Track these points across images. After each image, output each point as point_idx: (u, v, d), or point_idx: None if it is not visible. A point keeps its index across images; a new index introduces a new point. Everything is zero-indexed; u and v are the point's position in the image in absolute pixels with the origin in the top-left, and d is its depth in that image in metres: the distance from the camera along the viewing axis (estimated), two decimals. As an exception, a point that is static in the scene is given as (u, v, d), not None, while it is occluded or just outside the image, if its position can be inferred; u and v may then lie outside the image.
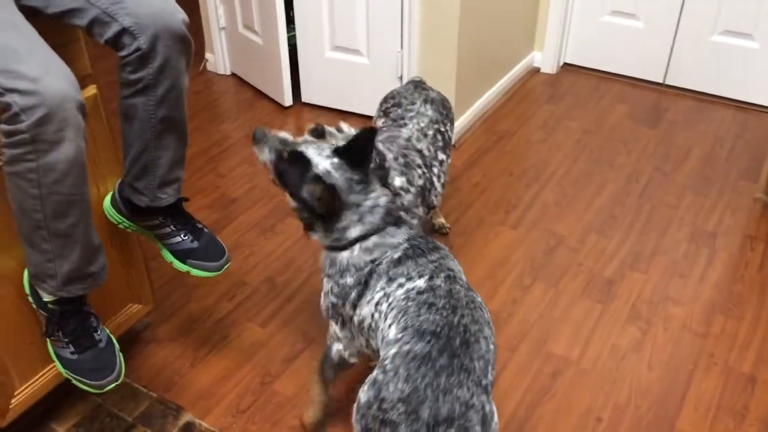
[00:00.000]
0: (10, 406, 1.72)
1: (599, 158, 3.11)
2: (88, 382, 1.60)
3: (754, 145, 3.20)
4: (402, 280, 1.49)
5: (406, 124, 2.09)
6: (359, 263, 1.55)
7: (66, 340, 1.60)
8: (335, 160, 1.52)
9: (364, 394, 1.35)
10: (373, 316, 1.52)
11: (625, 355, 2.13)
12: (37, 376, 1.77)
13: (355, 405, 1.39)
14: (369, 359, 1.79)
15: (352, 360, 1.71)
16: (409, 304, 1.44)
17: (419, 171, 1.97)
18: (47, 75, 1.31)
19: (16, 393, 1.73)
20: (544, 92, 3.69)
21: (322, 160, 1.52)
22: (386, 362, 1.35)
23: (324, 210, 1.52)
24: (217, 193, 2.86)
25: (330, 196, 1.50)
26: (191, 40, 1.57)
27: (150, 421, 1.91)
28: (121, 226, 1.83)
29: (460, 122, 3.19)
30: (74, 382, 1.62)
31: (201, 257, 1.78)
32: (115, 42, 1.49)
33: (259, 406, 1.97)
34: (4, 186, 1.46)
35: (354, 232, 1.55)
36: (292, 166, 1.54)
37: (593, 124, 3.38)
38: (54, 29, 1.49)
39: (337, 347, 1.70)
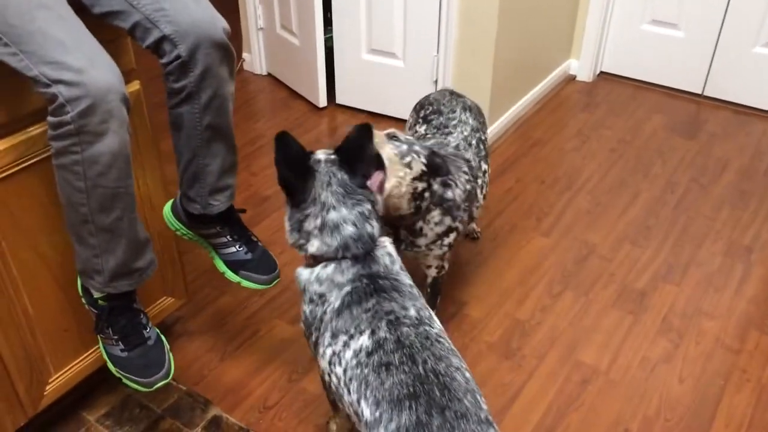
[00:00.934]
0: (45, 393, 1.74)
1: (634, 168, 3.08)
2: (137, 379, 1.59)
3: (794, 159, 3.15)
4: (345, 338, 1.36)
5: (450, 132, 2.05)
6: (312, 292, 1.44)
7: (116, 337, 1.61)
8: (332, 156, 1.49)
9: None
10: (330, 376, 1.39)
11: (656, 367, 2.10)
12: (70, 365, 1.80)
13: None
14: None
15: None
16: (365, 371, 1.31)
17: (466, 179, 1.94)
18: (92, 67, 1.33)
19: (50, 380, 1.76)
20: (580, 100, 3.66)
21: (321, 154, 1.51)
22: None
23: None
24: (249, 191, 2.89)
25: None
26: (232, 49, 1.58)
27: (178, 413, 1.94)
28: (179, 233, 1.86)
29: (494, 128, 3.18)
30: (124, 380, 1.61)
31: (253, 269, 1.81)
32: (156, 48, 1.51)
33: (286, 403, 1.98)
34: (45, 174, 1.49)
35: (312, 244, 1.45)
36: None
37: (628, 134, 3.34)
38: (102, 25, 1.51)
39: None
